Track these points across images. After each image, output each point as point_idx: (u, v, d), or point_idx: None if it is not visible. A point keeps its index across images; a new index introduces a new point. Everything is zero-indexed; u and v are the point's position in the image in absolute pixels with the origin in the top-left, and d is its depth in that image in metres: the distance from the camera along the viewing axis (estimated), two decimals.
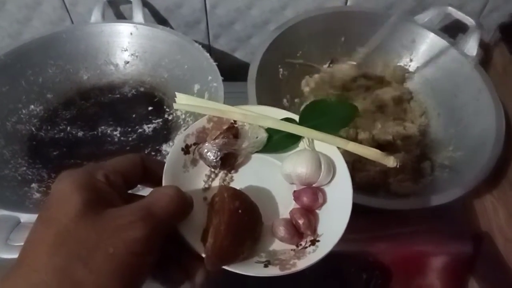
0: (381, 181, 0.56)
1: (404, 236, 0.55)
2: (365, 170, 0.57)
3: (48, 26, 0.73)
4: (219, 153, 0.32)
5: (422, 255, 0.56)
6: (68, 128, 0.63)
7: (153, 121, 0.64)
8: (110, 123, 0.64)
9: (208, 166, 0.33)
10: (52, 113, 0.64)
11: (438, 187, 0.53)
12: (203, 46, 0.63)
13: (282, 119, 0.34)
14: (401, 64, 0.68)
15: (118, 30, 0.67)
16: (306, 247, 0.30)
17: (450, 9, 0.63)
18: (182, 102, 0.34)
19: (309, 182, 0.32)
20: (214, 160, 0.32)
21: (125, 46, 0.68)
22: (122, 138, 0.62)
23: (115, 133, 0.63)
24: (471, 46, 0.61)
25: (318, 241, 0.30)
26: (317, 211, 0.32)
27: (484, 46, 0.62)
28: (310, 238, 0.30)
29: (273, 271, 0.28)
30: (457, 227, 0.57)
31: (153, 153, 0.59)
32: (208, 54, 0.61)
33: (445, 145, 0.60)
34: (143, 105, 0.66)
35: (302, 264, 0.28)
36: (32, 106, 0.63)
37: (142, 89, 0.68)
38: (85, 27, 0.67)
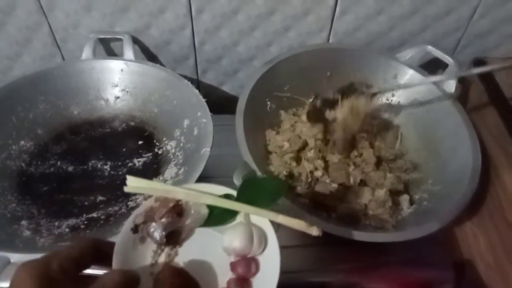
0: (361, 212, 0.58)
1: (388, 265, 0.56)
2: (346, 201, 0.59)
3: (38, 62, 0.74)
4: (163, 232, 0.35)
5: (406, 284, 0.57)
6: (59, 162, 0.63)
7: (143, 155, 0.65)
8: (101, 157, 0.64)
9: (155, 243, 0.36)
10: (43, 148, 0.65)
11: (417, 220, 0.55)
12: (192, 80, 0.65)
13: (221, 195, 0.38)
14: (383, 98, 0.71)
15: (109, 67, 0.68)
16: None
17: (430, 48, 0.66)
18: (133, 184, 0.37)
19: (244, 254, 0.36)
20: (159, 238, 0.35)
21: (116, 82, 0.69)
22: (112, 172, 0.63)
23: (105, 167, 0.63)
24: (450, 83, 0.63)
25: None
26: (251, 279, 0.35)
27: (458, 81, 0.65)
28: None
29: None
30: (439, 256, 0.58)
31: None
32: (197, 91, 0.63)
33: (424, 179, 0.61)
34: (133, 140, 0.67)
35: None
36: (22, 142, 0.64)
37: (132, 123, 0.69)
38: (76, 64, 0.68)
